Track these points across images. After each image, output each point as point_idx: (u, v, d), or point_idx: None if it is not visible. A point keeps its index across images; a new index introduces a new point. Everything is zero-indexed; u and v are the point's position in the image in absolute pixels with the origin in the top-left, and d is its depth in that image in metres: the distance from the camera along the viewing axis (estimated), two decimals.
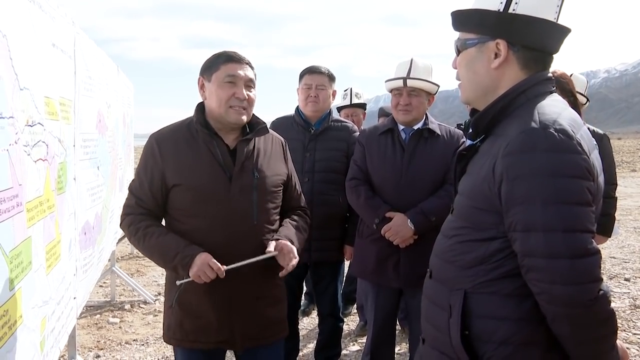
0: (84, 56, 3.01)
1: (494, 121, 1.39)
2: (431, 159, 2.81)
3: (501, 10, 1.36)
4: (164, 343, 4.13)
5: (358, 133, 3.32)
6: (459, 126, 4.41)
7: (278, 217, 2.27)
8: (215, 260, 1.97)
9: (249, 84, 2.12)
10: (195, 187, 2.07)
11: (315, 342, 3.68)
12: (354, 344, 4.18)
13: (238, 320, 2.14)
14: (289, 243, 2.13)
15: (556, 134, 1.23)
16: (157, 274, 6.13)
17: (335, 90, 3.37)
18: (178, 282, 2.04)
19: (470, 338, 1.35)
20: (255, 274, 2.12)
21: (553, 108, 1.31)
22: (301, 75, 3.34)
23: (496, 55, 1.39)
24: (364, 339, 3.83)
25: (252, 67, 2.15)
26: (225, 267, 1.98)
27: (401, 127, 2.90)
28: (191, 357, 2.19)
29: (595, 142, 1.36)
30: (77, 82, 2.80)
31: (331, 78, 3.30)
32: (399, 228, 2.73)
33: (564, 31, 1.39)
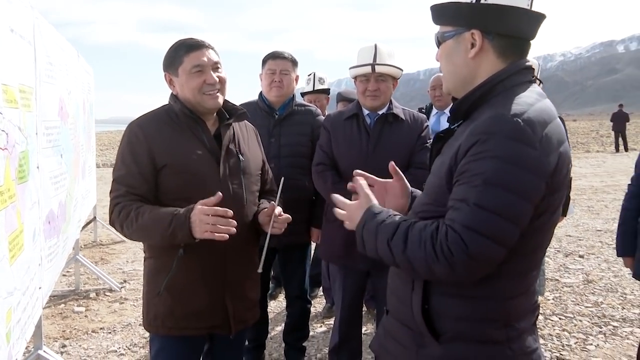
0: (44, 41, 2.93)
1: (473, 108, 1.43)
2: (396, 144, 2.86)
3: (474, 1, 1.39)
4: (132, 330, 4.16)
5: (322, 117, 3.34)
6: (420, 110, 4.51)
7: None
8: (212, 204, 1.88)
9: (216, 66, 2.11)
10: (186, 169, 2.03)
11: (283, 324, 3.73)
12: (321, 326, 4.26)
13: (231, 304, 2.13)
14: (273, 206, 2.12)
15: (521, 123, 1.26)
16: (121, 262, 6.04)
17: (298, 75, 3.38)
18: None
19: (429, 312, 1.40)
20: (244, 254, 2.15)
21: (527, 99, 1.34)
22: (264, 61, 3.34)
23: (472, 45, 1.41)
24: (331, 321, 3.91)
25: (213, 49, 2.13)
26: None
27: (366, 112, 2.93)
28: (176, 345, 2.11)
29: (565, 133, 1.40)
30: (38, 68, 2.73)
31: (294, 63, 3.31)
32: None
33: (537, 17, 1.41)
